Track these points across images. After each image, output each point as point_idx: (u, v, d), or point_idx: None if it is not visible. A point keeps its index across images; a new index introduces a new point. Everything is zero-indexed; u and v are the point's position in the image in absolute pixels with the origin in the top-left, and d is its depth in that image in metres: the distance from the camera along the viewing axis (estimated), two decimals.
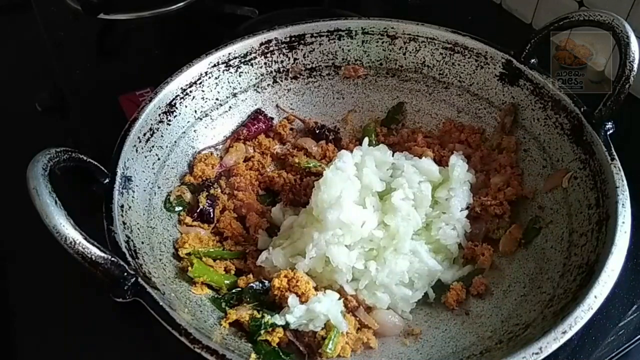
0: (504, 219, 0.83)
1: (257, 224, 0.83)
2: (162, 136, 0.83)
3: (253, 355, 0.62)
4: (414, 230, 0.78)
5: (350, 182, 0.76)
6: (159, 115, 0.83)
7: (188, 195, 0.83)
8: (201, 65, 0.89)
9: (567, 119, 0.81)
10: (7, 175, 0.77)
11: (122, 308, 0.62)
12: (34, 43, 1.25)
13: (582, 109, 0.79)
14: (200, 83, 0.89)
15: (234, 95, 0.94)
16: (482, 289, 0.76)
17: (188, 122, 0.88)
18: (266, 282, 0.73)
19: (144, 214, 0.75)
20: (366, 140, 0.86)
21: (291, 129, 0.98)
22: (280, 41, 0.95)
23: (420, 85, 0.97)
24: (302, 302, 0.69)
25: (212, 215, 0.82)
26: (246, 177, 0.88)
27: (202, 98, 0.90)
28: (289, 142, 0.97)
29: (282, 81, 0.98)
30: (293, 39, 0.95)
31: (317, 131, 0.97)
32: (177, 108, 0.86)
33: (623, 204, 0.68)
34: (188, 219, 0.81)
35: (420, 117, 0.98)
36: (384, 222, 0.76)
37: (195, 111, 0.89)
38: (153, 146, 0.81)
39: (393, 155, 0.85)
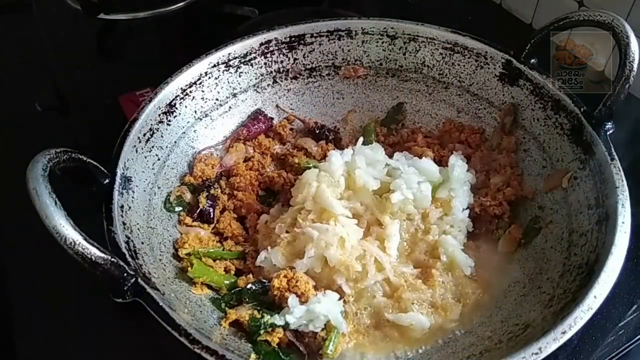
0: (503, 219, 0.83)
1: (257, 224, 0.83)
2: (162, 136, 0.83)
3: (253, 356, 0.62)
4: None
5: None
6: (159, 115, 0.83)
7: (188, 196, 0.83)
8: (201, 66, 0.89)
9: (567, 119, 0.81)
10: (7, 175, 0.76)
11: (122, 308, 0.62)
12: (34, 43, 1.25)
13: (582, 109, 0.79)
14: (200, 83, 0.89)
15: (234, 95, 0.94)
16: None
17: (188, 122, 0.88)
18: (266, 282, 0.73)
19: (144, 214, 0.75)
20: (360, 139, 0.86)
21: (291, 129, 0.98)
22: (280, 41, 0.95)
23: (420, 85, 0.97)
24: (302, 303, 0.69)
25: (212, 216, 0.82)
26: (246, 177, 0.88)
27: (202, 98, 0.90)
28: (289, 142, 0.97)
29: (282, 81, 0.98)
30: (293, 39, 0.95)
31: (317, 131, 0.97)
32: (177, 108, 0.86)
33: (623, 204, 0.68)
34: (188, 219, 0.81)
35: (420, 117, 0.98)
36: (379, 222, 0.76)
37: (195, 111, 0.89)
38: (153, 146, 0.81)
39: (392, 156, 0.85)
